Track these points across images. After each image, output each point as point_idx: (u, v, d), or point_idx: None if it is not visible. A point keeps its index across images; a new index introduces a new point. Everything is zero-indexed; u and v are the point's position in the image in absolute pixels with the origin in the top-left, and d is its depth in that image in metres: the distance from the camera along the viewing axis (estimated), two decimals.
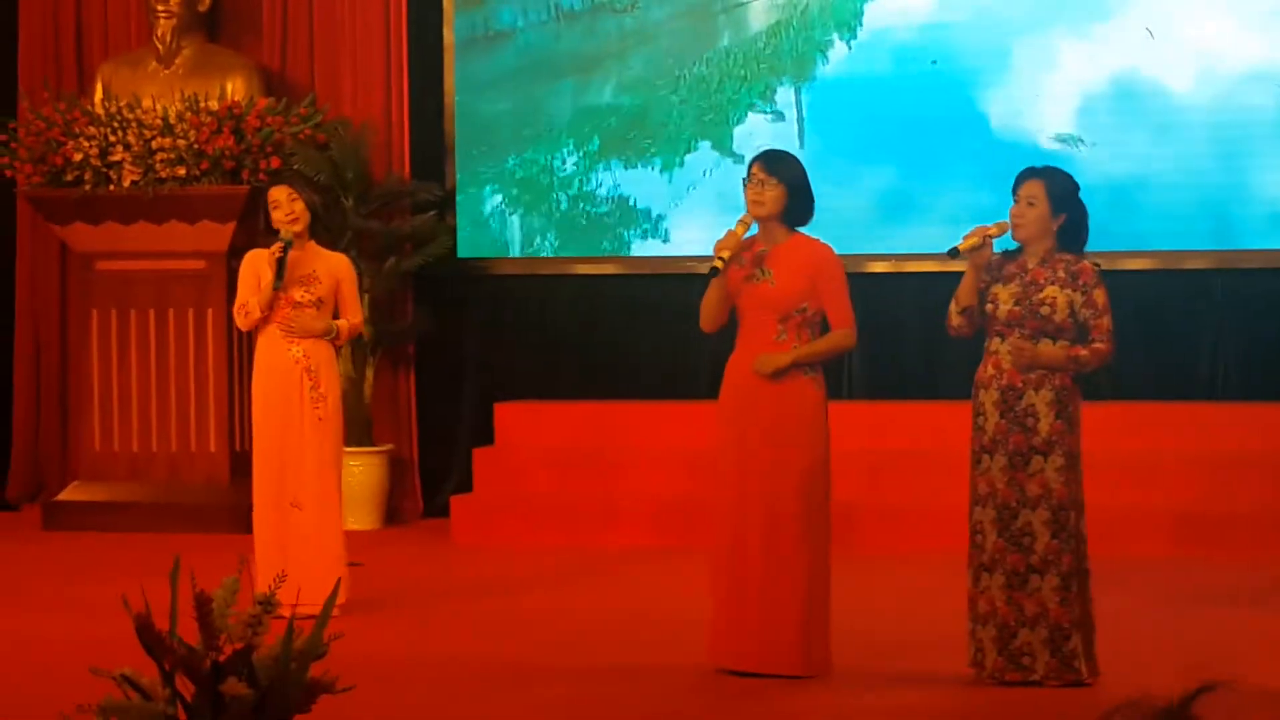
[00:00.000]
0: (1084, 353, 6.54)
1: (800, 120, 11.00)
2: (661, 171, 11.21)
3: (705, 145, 11.16)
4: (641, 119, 11.25)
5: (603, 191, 11.31)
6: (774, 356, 6.70)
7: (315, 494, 8.06)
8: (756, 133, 10.90)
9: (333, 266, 8.17)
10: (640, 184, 11.24)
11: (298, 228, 8.05)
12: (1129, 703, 1.53)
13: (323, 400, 8.08)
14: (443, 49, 11.52)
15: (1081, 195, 6.67)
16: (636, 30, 11.30)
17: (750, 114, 11.11)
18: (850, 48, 10.99)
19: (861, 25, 10.96)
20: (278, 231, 8.02)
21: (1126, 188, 10.61)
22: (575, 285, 11.46)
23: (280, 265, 7.96)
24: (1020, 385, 6.53)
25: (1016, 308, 6.54)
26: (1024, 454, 6.51)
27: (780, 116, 11.02)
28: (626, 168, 11.25)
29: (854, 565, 8.35)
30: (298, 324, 8.08)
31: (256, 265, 8.10)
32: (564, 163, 11.34)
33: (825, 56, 11.01)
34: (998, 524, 6.53)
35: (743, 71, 11.13)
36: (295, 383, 8.08)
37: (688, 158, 11.17)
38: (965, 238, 6.56)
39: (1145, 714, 1.51)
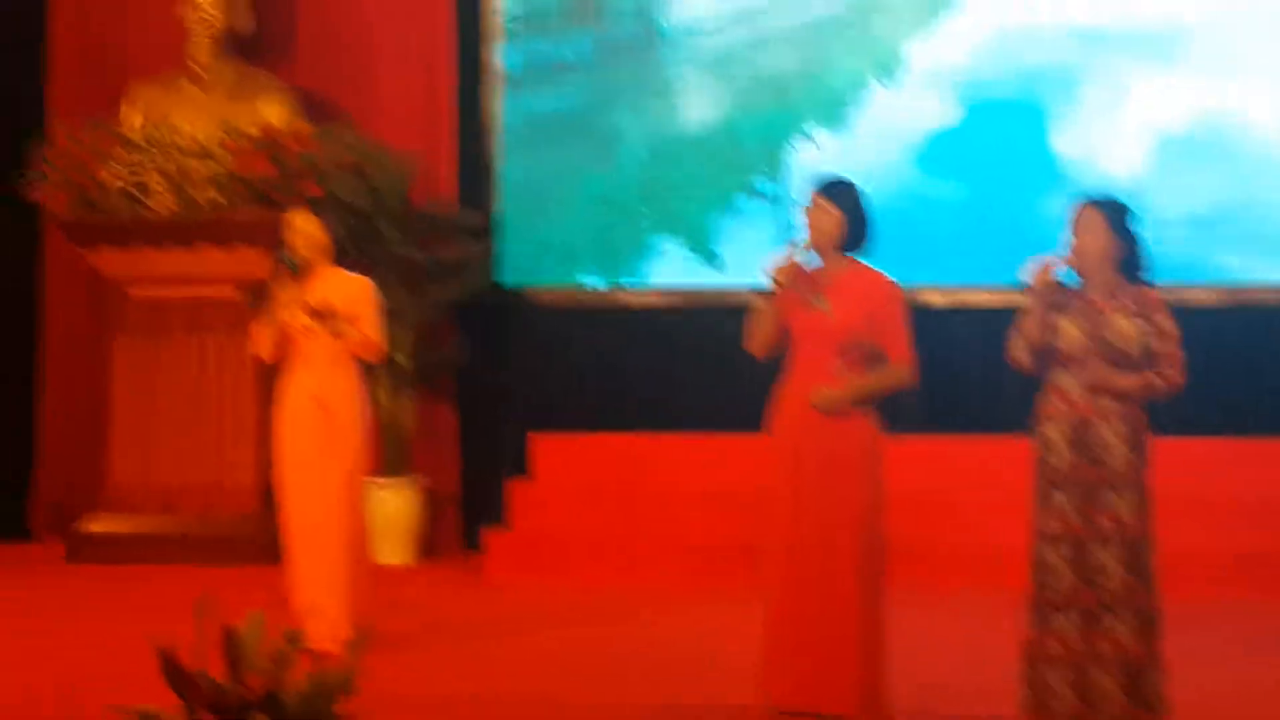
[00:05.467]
0: (1157, 380, 6.34)
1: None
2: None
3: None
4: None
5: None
6: (830, 390, 6.57)
7: (336, 527, 7.85)
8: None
9: (347, 289, 8.00)
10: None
11: (298, 254, 7.97)
12: None
13: (338, 434, 7.89)
14: (483, 75, 11.41)
15: (1138, 223, 6.46)
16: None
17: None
18: (903, 84, 10.94)
19: (906, 68, 10.92)
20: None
21: (1196, 222, 10.59)
22: (618, 316, 11.39)
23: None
24: (1092, 418, 6.30)
25: (1086, 340, 6.32)
26: (1097, 488, 6.31)
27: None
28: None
29: (913, 605, 8.26)
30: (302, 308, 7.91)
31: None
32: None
33: (861, 96, 10.94)
34: (1073, 562, 6.32)
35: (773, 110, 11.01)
36: (308, 414, 7.91)
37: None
38: (1032, 270, 6.38)
39: None
